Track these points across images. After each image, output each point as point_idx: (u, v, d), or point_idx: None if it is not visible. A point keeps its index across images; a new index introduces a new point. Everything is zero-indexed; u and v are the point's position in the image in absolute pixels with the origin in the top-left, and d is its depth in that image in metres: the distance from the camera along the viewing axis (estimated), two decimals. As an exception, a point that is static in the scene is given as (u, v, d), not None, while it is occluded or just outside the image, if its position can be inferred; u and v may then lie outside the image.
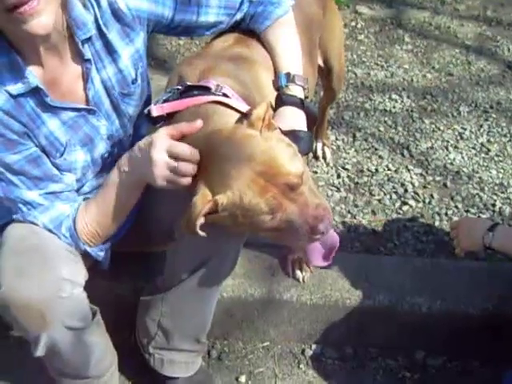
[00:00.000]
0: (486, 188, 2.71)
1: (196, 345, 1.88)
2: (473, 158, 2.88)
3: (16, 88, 1.46)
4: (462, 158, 2.88)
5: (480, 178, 2.76)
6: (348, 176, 2.75)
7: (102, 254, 1.65)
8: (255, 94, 1.65)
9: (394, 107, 3.20)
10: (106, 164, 1.68)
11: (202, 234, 1.40)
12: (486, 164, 2.84)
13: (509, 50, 3.73)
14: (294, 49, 1.78)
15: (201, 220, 1.39)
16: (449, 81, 3.43)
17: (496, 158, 2.88)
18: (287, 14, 1.78)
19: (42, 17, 1.35)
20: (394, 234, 2.48)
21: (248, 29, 1.81)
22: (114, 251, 1.69)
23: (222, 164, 1.39)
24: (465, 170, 2.81)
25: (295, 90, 1.67)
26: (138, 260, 1.97)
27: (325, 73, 2.36)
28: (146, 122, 1.67)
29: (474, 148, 2.94)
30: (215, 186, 1.38)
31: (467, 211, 2.58)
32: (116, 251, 1.70)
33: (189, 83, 1.58)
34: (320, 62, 2.27)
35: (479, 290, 2.06)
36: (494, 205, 2.62)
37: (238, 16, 1.77)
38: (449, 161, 2.85)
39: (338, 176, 2.75)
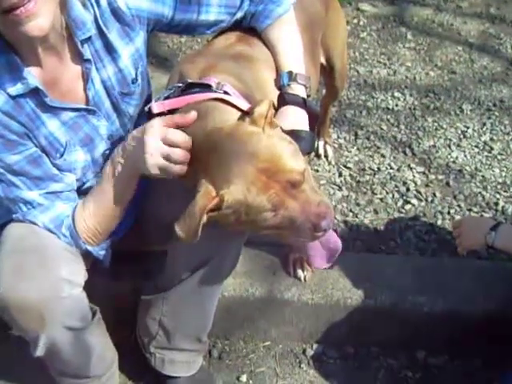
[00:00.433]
0: (489, 187, 2.69)
1: (197, 344, 1.88)
2: (475, 157, 2.86)
3: (15, 89, 1.45)
4: (465, 156, 2.86)
5: (483, 176, 2.75)
6: (350, 174, 2.74)
7: (102, 253, 1.65)
8: (256, 92, 1.65)
9: (397, 105, 3.18)
10: (107, 164, 1.68)
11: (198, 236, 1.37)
12: (488, 162, 2.83)
13: (512, 47, 3.72)
14: (295, 47, 1.77)
15: (204, 218, 1.35)
16: (451, 79, 3.41)
17: (499, 157, 2.86)
18: (288, 13, 1.77)
19: (39, 18, 1.34)
20: (395, 232, 2.46)
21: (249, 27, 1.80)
22: (114, 250, 1.69)
23: (225, 161, 1.37)
24: (467, 168, 2.79)
25: (297, 89, 1.66)
26: (138, 259, 1.96)
27: (327, 71, 2.36)
28: (147, 120, 1.66)
29: (476, 146, 2.92)
30: (218, 183, 1.36)
31: (470, 210, 2.57)
32: (116, 250, 1.70)
33: (190, 80, 1.57)
34: (322, 60, 2.27)
35: (481, 290, 2.05)
36: (496, 204, 2.60)
37: (239, 15, 1.76)
38: (451, 159, 2.84)
39: (340, 174, 2.74)
